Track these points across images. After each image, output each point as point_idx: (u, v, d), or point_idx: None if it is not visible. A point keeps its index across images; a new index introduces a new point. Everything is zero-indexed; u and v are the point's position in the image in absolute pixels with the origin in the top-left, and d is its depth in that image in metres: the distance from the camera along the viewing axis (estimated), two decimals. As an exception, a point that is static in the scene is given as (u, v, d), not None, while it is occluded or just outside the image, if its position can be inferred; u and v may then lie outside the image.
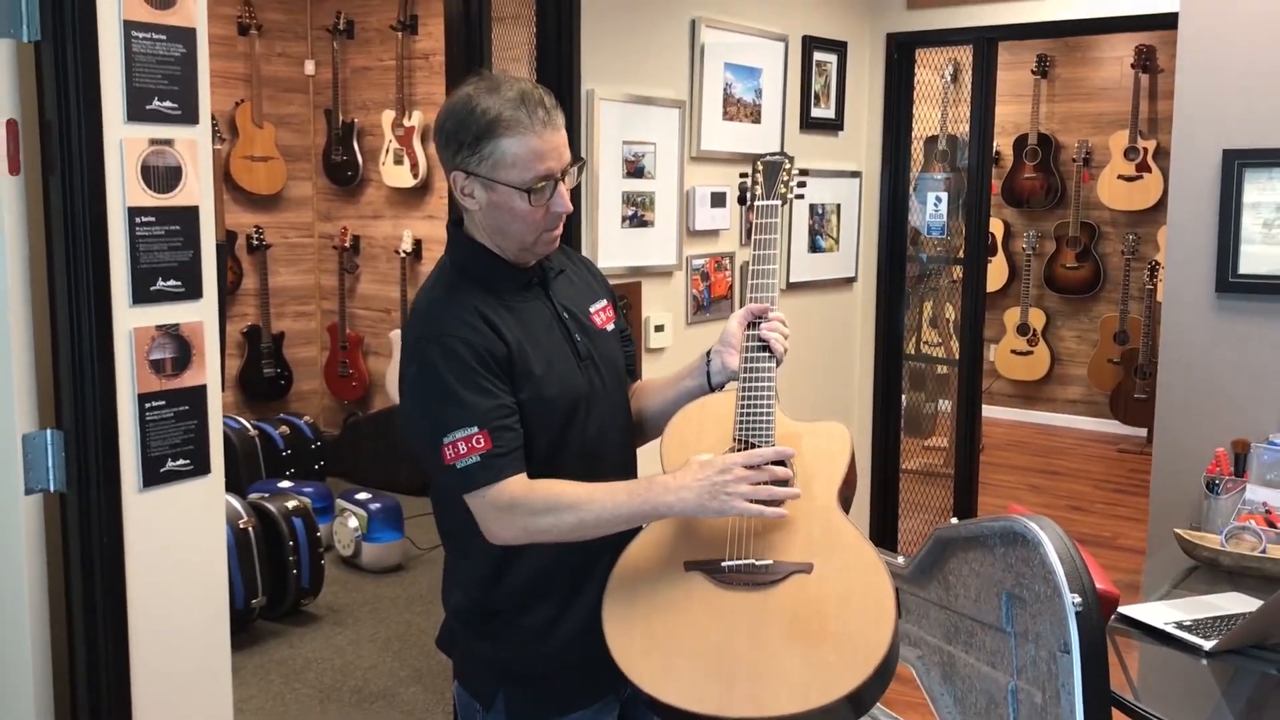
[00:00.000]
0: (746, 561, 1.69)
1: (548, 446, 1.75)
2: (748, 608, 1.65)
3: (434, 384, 1.68)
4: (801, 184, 2.01)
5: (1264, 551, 2.46)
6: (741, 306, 1.91)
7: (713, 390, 1.90)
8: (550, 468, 1.74)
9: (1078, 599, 1.77)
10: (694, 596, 1.68)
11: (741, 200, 2.04)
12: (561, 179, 1.74)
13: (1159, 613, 2.25)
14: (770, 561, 1.69)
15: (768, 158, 2.02)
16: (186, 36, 2.37)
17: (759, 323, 1.86)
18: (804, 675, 1.58)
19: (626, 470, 1.90)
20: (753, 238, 1.94)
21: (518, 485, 1.68)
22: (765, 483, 1.65)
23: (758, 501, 1.64)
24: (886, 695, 1.68)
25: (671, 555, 1.72)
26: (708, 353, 1.92)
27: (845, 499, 1.79)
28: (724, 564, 1.69)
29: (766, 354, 1.84)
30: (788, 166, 1.99)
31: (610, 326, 1.92)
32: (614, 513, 1.66)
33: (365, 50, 6.73)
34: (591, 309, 1.90)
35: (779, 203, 1.97)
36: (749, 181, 2.01)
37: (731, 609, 1.66)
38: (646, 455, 1.97)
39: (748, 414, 1.80)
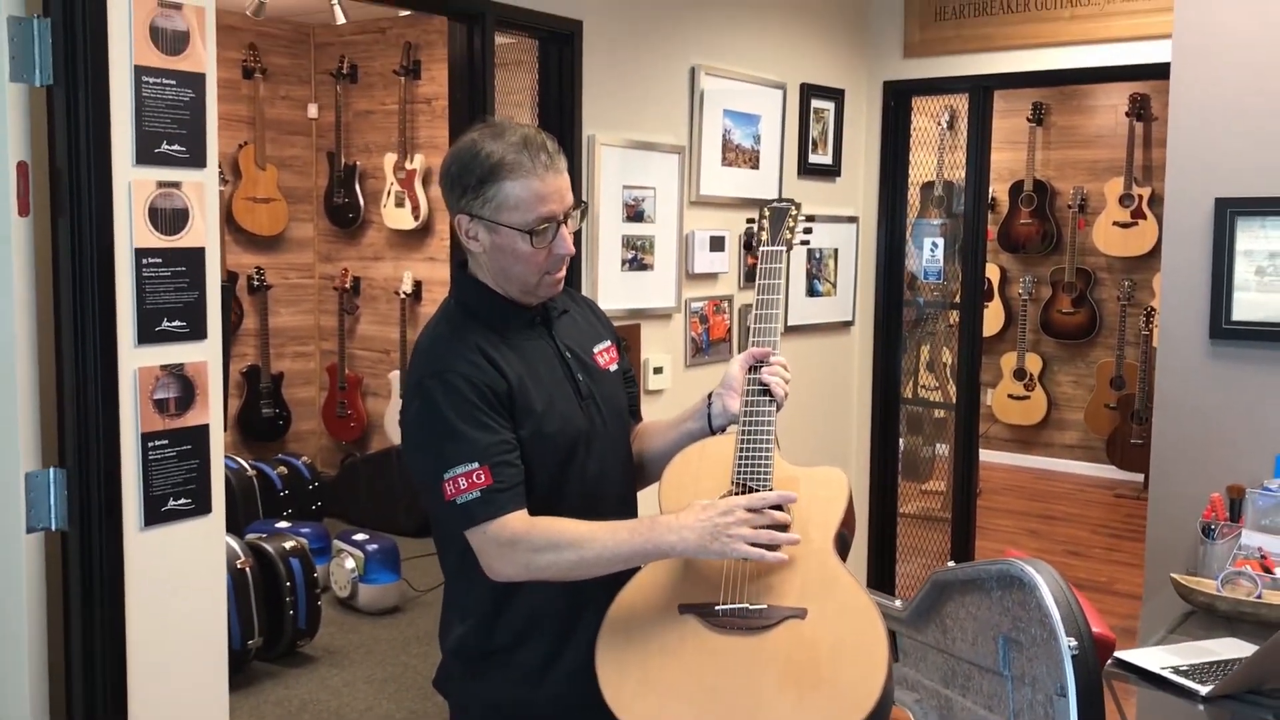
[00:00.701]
0: (741, 605, 1.70)
1: (548, 484, 1.77)
2: (741, 652, 1.66)
3: (435, 420, 1.70)
4: (807, 230, 2.04)
5: (1260, 597, 2.47)
6: (742, 350, 1.93)
7: (713, 433, 1.91)
8: (550, 506, 1.75)
9: (1074, 642, 1.79)
10: (687, 640, 1.69)
11: (747, 245, 2.06)
12: (564, 222, 1.77)
13: (1155, 657, 2.26)
14: (765, 606, 1.69)
15: (774, 204, 2.05)
16: (196, 82, 2.42)
17: (760, 367, 1.88)
18: None
19: (626, 510, 1.91)
20: (756, 282, 1.97)
21: (519, 522, 1.69)
22: (766, 527, 1.67)
23: (758, 545, 1.65)
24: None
25: (666, 598, 1.73)
26: (709, 395, 1.94)
27: (843, 544, 1.80)
28: (718, 607, 1.70)
29: (767, 398, 1.85)
30: (794, 213, 2.02)
31: (614, 367, 1.95)
32: (615, 551, 1.67)
33: (368, 94, 6.81)
34: (595, 349, 1.92)
35: (784, 248, 1.99)
36: (755, 227, 2.04)
37: (725, 653, 1.66)
38: (646, 497, 1.99)
39: (747, 457, 1.81)
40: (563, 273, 1.82)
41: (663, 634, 1.70)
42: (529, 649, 1.78)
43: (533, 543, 1.67)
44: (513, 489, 1.70)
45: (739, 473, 1.81)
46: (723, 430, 1.91)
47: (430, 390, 1.71)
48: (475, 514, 1.68)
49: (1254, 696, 2.10)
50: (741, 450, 1.82)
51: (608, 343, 1.96)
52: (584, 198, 3.54)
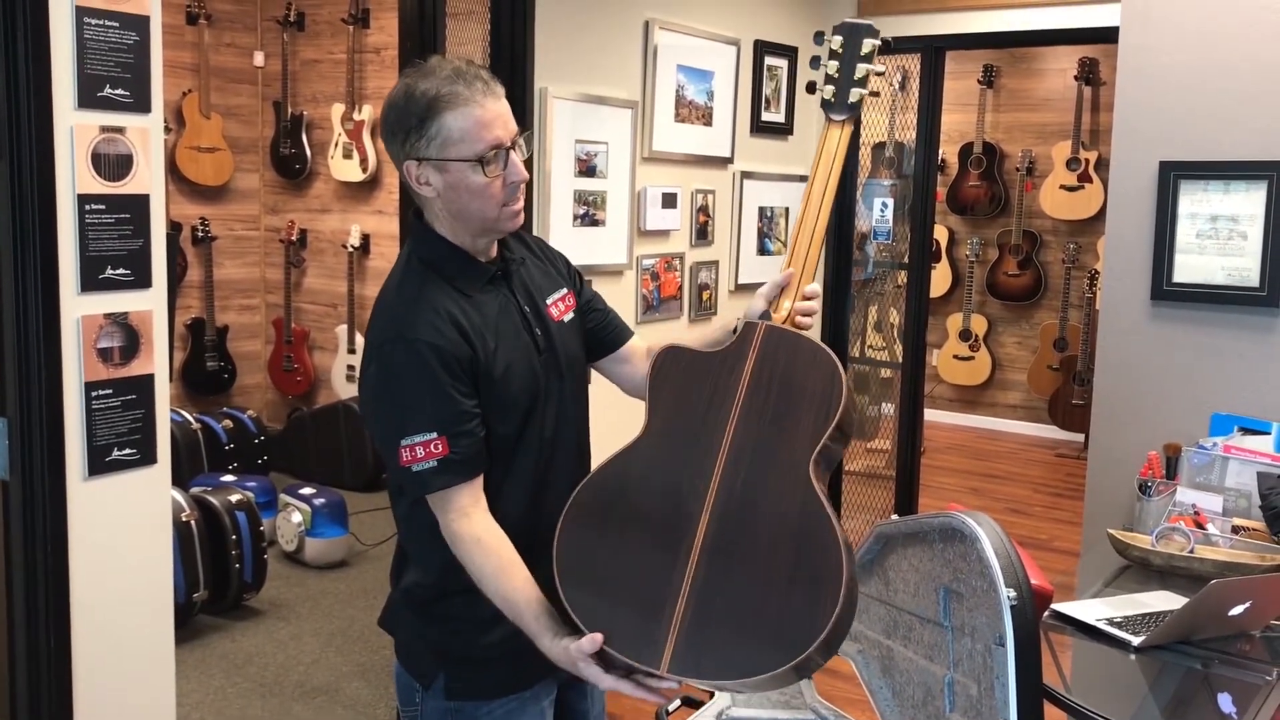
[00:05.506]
0: None
1: (512, 440, 1.77)
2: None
3: (395, 386, 1.68)
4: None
5: (1192, 551, 2.54)
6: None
7: None
8: (509, 460, 1.76)
9: (1013, 593, 1.82)
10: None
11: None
12: (512, 148, 1.74)
13: (1091, 609, 2.31)
14: None
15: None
16: (140, 24, 2.36)
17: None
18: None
19: (580, 461, 1.91)
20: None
21: (478, 520, 1.69)
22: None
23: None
24: (828, 690, 1.71)
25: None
26: (740, 319, 1.88)
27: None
28: None
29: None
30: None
31: (569, 317, 1.92)
32: (503, 604, 1.67)
33: (315, 43, 6.69)
34: (549, 300, 1.89)
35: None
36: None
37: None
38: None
39: None
40: (520, 203, 1.77)
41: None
42: (481, 599, 1.79)
43: (468, 554, 1.68)
44: (469, 460, 1.69)
45: None
46: None
47: (391, 354, 1.68)
48: (430, 483, 1.68)
49: (1184, 646, 2.17)
50: None
51: (563, 290, 1.92)
52: (535, 152, 3.52)
